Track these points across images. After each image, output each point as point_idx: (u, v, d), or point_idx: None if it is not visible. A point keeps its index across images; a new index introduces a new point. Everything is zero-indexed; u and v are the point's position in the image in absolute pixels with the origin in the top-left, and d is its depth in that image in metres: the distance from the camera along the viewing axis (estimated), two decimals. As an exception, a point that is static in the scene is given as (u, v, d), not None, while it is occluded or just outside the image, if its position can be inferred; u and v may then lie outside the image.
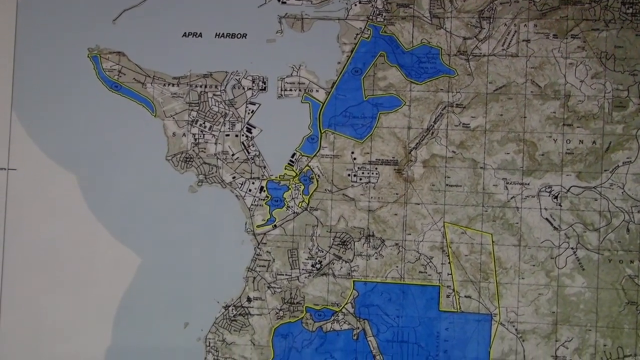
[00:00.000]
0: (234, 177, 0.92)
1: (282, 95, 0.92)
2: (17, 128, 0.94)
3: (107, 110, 0.93)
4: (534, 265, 0.89)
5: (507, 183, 0.89)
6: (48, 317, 0.93)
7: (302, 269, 0.91)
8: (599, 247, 0.88)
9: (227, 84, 0.92)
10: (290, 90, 0.92)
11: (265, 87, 0.92)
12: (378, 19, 0.91)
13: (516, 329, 0.89)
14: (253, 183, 0.92)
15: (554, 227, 0.89)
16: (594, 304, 0.88)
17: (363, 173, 0.91)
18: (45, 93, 0.94)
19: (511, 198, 0.89)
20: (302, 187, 0.92)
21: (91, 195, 0.93)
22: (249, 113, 0.92)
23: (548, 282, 0.89)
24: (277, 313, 0.91)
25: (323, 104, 0.91)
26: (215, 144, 0.92)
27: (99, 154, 0.93)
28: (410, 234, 0.90)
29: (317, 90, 0.91)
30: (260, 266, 0.92)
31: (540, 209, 0.89)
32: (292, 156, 0.92)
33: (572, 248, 0.88)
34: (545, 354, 0.88)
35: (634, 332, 0.88)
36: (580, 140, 0.89)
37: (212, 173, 0.92)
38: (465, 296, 0.89)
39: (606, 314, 0.88)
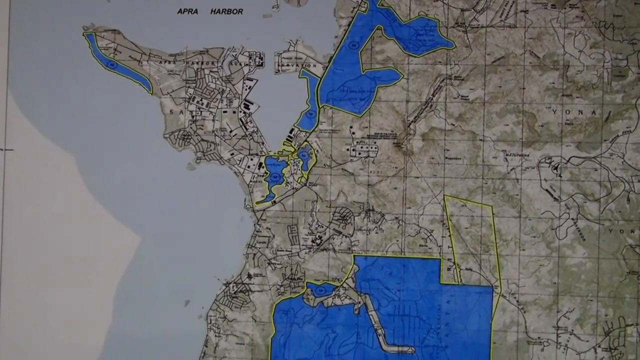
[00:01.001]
0: (232, 154, 0.92)
1: (279, 70, 0.91)
2: (13, 108, 0.93)
3: (104, 88, 0.93)
4: (534, 237, 0.89)
5: (507, 155, 0.89)
6: (48, 297, 0.93)
7: (302, 245, 0.91)
8: (600, 218, 0.88)
9: (223, 60, 0.92)
10: (288, 65, 0.91)
11: (262, 63, 0.91)
12: (375, -8, 0.91)
13: (517, 301, 0.89)
14: (251, 159, 0.92)
15: (554, 198, 0.88)
16: (595, 274, 0.88)
17: (362, 147, 0.90)
18: (41, 72, 0.93)
19: (511, 170, 0.89)
20: (301, 162, 0.91)
21: (89, 174, 0.93)
22: (246, 89, 0.92)
23: (549, 253, 0.88)
24: (277, 289, 0.91)
25: (321, 79, 0.91)
26: (213, 120, 0.92)
27: (96, 133, 0.92)
28: (410, 208, 0.90)
29: (314, 65, 0.91)
30: (260, 242, 0.91)
31: (540, 180, 0.89)
32: (291, 132, 0.91)
33: (572, 219, 0.88)
34: (546, 325, 0.88)
35: (635, 301, 0.88)
36: (579, 111, 0.88)
37: (210, 150, 0.92)
38: (466, 269, 0.89)
39: (607, 284, 0.88)
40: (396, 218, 0.90)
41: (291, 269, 0.91)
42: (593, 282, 0.88)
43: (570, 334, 0.88)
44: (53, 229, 0.93)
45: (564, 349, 0.88)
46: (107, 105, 0.92)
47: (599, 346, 0.88)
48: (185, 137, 0.92)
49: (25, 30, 0.93)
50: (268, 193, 0.91)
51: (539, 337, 0.88)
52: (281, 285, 0.91)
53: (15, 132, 0.93)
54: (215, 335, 0.92)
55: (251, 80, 0.92)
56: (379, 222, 0.90)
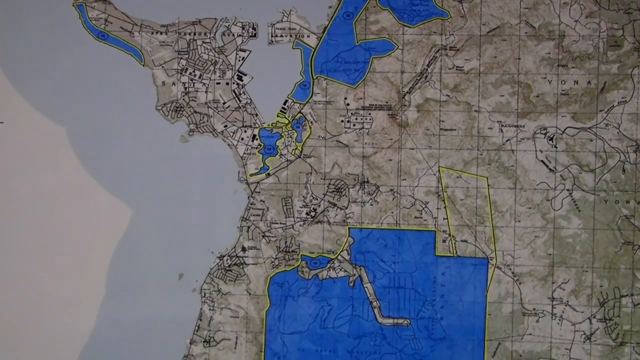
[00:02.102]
0: (225, 126, 0.91)
1: (272, 41, 0.90)
2: (3, 80, 0.92)
3: (95, 60, 0.91)
4: (529, 208, 0.88)
5: (502, 126, 0.88)
6: (39, 271, 0.92)
7: (297, 217, 0.90)
8: (595, 188, 0.88)
9: (216, 31, 0.91)
10: (281, 36, 0.90)
11: (255, 34, 0.90)
12: (369, -39, 0.89)
13: (513, 272, 0.88)
14: (245, 131, 0.91)
15: (550, 169, 0.88)
16: (590, 245, 0.88)
17: (356, 119, 0.90)
18: (31, 44, 0.91)
19: (506, 141, 0.88)
20: (295, 134, 0.90)
21: (81, 147, 0.91)
22: (239, 60, 0.91)
23: (544, 224, 0.88)
24: (272, 262, 0.91)
25: (315, 50, 0.90)
26: (206, 92, 0.91)
27: (87, 105, 0.91)
28: (405, 180, 0.89)
29: (308, 36, 0.90)
30: (254, 215, 0.91)
31: (536, 151, 0.88)
32: (284, 103, 0.90)
33: (567, 190, 0.88)
34: (541, 296, 0.88)
35: (630, 272, 0.87)
36: (575, 81, 0.88)
37: (203, 122, 0.91)
38: (461, 240, 0.89)
39: (602, 255, 0.88)
40: (391, 190, 0.89)
41: (286, 242, 0.90)
42: (588, 253, 0.88)
43: (566, 305, 0.88)
44: (44, 201, 0.92)
45: (559, 320, 0.88)
46: (98, 76, 0.91)
47: (594, 317, 0.88)
48: (178, 109, 0.91)
49: (14, 1, 0.92)
50: (262, 165, 0.91)
51: (534, 309, 0.88)
52: (276, 258, 0.90)
53: (5, 104, 0.92)
54: (210, 309, 0.91)
55: (244, 51, 0.90)
56: (374, 194, 0.90)
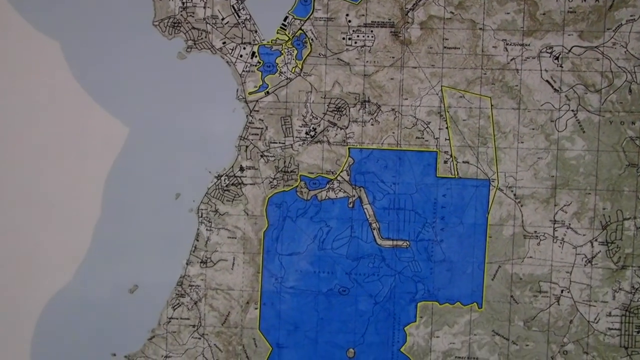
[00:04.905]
0: (224, 43, 0.89)
1: (273, -45, 0.88)
2: (-4, -7, 0.89)
3: (90, -27, 0.89)
4: (533, 129, 0.87)
5: (507, 44, 0.86)
6: (34, 188, 0.90)
7: (296, 137, 0.89)
8: (600, 109, 0.86)
9: (215, -55, 0.88)
10: (282, -50, 0.88)
11: (255, -53, 0.88)
12: None
13: (514, 194, 0.87)
14: (244, 48, 0.89)
15: (555, 89, 0.86)
16: (594, 167, 0.86)
17: (358, 36, 0.88)
18: (24, -44, 0.89)
19: (511, 60, 0.86)
20: (295, 51, 0.88)
21: (75, 62, 0.89)
22: (238, -25, 0.88)
23: (547, 145, 0.87)
24: (270, 182, 0.89)
25: (316, -36, 0.87)
26: (204, 7, 0.88)
27: (82, 19, 0.89)
28: (407, 99, 0.88)
29: (309, -50, 0.87)
30: (252, 134, 0.89)
31: (541, 70, 0.86)
32: (285, 19, 0.88)
33: (572, 110, 0.86)
34: (543, 219, 0.87)
35: (633, 194, 0.86)
36: (582, -2, 0.86)
37: (202, 38, 0.89)
38: (463, 161, 0.87)
39: (606, 177, 0.86)
40: (392, 109, 0.88)
41: (284, 162, 0.89)
42: (592, 175, 0.86)
43: (567, 228, 0.87)
44: (37, 119, 0.90)
45: (561, 242, 0.87)
46: (93, -10, 0.89)
47: (596, 240, 0.87)
48: (176, 24, 0.89)
49: None
50: (261, 83, 0.89)
51: (535, 231, 0.87)
52: (274, 178, 0.89)
53: (-2, 18, 0.90)
54: (207, 229, 0.90)
55: (244, -35, 0.88)
56: (375, 114, 0.88)
